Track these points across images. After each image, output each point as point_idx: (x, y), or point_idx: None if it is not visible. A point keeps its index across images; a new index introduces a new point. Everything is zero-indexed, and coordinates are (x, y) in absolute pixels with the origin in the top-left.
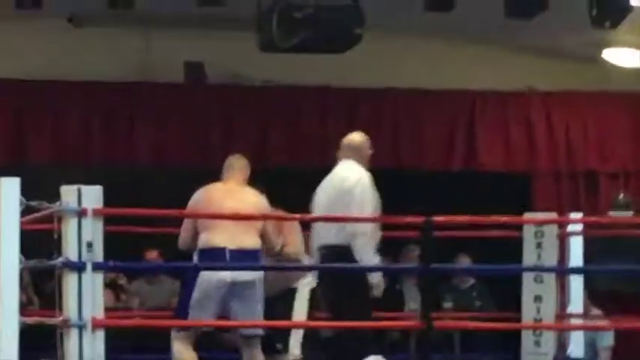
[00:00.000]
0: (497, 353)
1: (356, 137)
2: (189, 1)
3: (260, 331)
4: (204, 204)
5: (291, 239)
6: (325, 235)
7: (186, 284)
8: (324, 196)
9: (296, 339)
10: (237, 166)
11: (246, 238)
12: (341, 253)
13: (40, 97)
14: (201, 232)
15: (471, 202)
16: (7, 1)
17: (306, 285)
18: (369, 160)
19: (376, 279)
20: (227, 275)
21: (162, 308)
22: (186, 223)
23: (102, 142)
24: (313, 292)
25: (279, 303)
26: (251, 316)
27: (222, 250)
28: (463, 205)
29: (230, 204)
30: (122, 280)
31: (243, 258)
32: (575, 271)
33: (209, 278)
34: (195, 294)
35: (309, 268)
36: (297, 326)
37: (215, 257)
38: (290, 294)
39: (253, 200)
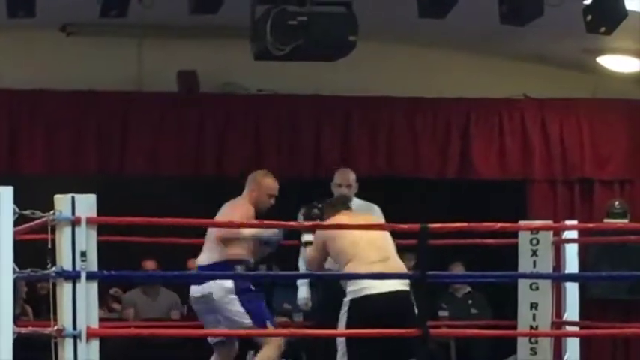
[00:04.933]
0: None
1: None
2: (181, 10)
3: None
4: None
5: None
6: None
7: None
8: None
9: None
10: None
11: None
12: None
13: (32, 106)
14: None
15: (466, 210)
16: None
17: None
18: (364, 168)
19: None
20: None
21: (160, 320)
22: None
23: (95, 152)
24: None
25: None
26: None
27: None
28: (458, 213)
29: None
30: (113, 290)
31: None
32: (572, 277)
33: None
34: None
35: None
36: None
37: None
38: None
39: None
